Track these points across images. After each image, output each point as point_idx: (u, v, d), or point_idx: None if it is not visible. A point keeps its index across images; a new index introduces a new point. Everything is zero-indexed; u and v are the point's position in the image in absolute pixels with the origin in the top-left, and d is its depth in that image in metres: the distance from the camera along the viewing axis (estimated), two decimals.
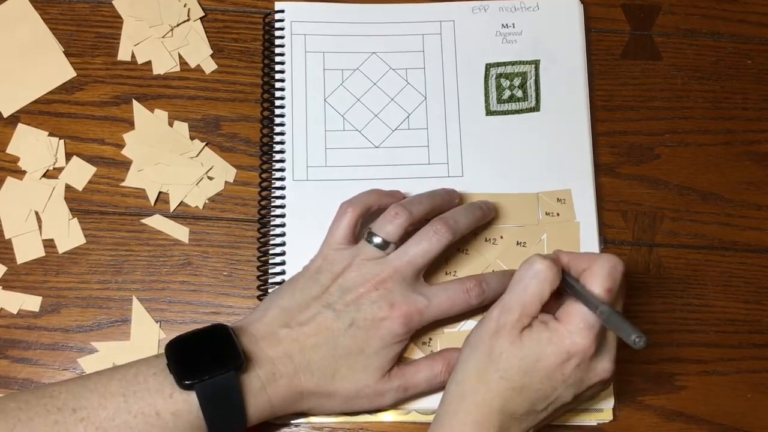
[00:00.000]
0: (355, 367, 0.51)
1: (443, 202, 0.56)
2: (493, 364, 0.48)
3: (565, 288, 0.50)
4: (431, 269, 0.56)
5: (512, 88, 0.63)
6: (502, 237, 0.59)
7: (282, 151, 0.60)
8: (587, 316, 0.47)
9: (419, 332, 0.55)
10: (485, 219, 0.57)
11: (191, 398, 0.47)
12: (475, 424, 0.48)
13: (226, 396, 0.48)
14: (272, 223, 0.59)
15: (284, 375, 0.50)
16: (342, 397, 0.52)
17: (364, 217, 0.55)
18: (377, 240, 0.53)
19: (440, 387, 0.53)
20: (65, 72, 0.62)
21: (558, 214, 0.59)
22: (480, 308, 0.55)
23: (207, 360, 0.48)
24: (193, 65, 0.63)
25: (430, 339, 0.57)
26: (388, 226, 0.53)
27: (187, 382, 0.47)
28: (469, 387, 0.49)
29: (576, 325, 0.47)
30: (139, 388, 0.47)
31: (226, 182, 0.61)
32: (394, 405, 0.54)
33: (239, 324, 0.52)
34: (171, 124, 0.61)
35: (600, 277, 0.48)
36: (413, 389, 0.53)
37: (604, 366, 0.49)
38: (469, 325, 0.57)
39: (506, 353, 0.48)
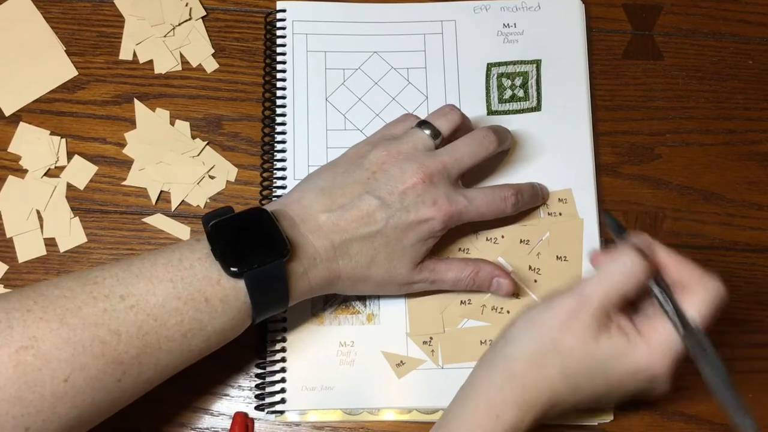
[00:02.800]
0: (392, 257, 0.52)
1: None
2: (557, 356, 0.45)
3: (654, 293, 0.45)
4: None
5: (514, 88, 0.63)
6: (503, 236, 0.59)
7: (283, 151, 0.60)
8: (673, 339, 0.44)
9: (421, 330, 0.57)
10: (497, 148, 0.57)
11: (239, 285, 0.47)
12: (516, 406, 0.45)
13: (272, 282, 0.48)
14: None
15: (324, 260, 0.50)
16: (374, 283, 0.53)
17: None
18: (428, 129, 0.54)
19: (462, 290, 0.56)
20: (67, 71, 0.62)
21: (560, 214, 0.59)
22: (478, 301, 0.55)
23: (254, 248, 0.47)
24: (194, 64, 0.63)
25: (431, 338, 0.57)
26: (440, 119, 0.54)
27: (235, 270, 0.47)
28: (522, 368, 0.46)
29: (659, 347, 0.44)
30: (186, 273, 0.47)
31: (227, 181, 0.61)
32: (419, 291, 0.56)
33: (277, 207, 0.51)
34: (172, 124, 0.61)
35: (702, 303, 0.44)
36: (439, 284, 0.55)
37: (663, 388, 0.47)
38: (470, 323, 0.57)
39: (577, 353, 0.45)
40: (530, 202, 0.58)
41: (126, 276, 0.46)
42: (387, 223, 0.51)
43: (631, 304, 0.47)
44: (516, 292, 0.57)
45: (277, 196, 0.59)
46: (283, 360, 0.56)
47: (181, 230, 0.59)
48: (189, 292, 0.46)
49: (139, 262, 0.47)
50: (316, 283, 0.50)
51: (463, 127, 0.56)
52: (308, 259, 0.49)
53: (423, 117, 0.56)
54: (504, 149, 0.59)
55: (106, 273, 0.46)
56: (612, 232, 0.51)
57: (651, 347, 0.45)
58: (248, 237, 0.48)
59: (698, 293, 0.45)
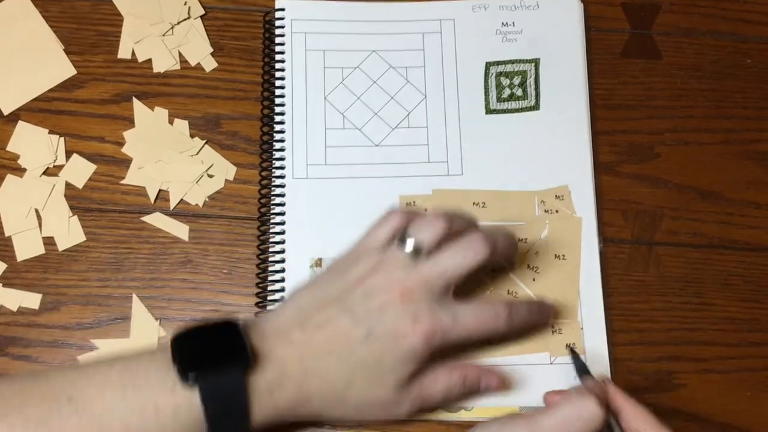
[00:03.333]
0: (371, 378, 0.48)
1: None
2: None
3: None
4: None
5: (512, 87, 0.63)
6: None
7: (282, 149, 0.60)
8: None
9: None
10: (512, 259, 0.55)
11: (193, 395, 0.44)
12: None
13: (230, 396, 0.45)
14: (272, 221, 0.59)
15: (293, 378, 0.46)
16: (354, 405, 0.49)
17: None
18: (409, 244, 0.49)
19: (456, 398, 0.52)
20: (65, 70, 0.62)
21: (557, 211, 0.60)
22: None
23: (212, 355, 0.45)
24: (193, 63, 0.63)
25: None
26: (423, 233, 0.49)
27: (190, 374, 0.44)
28: None
29: None
30: (140, 378, 0.44)
31: (226, 180, 0.61)
32: (410, 415, 0.51)
33: (251, 320, 0.49)
34: (171, 122, 0.61)
35: None
36: (430, 399, 0.51)
37: None
38: None
39: None
40: (526, 318, 0.52)
41: (78, 379, 0.45)
42: (363, 341, 0.47)
43: None
44: (506, 386, 0.55)
45: (276, 195, 0.59)
46: None
47: (179, 229, 0.59)
48: (138, 399, 0.44)
49: (95, 364, 0.46)
50: (283, 404, 0.46)
51: (456, 230, 0.51)
52: (274, 375, 0.46)
53: (406, 215, 0.52)
54: (501, 261, 0.55)
55: (60, 374, 0.45)
56: (575, 369, 0.52)
57: None
58: (211, 346, 0.45)
59: None
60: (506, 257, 0.54)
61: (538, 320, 0.55)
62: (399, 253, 0.49)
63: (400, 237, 0.50)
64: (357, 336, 0.47)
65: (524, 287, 0.58)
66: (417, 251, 0.49)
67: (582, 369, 0.54)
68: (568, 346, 0.55)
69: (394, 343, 0.47)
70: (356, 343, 0.47)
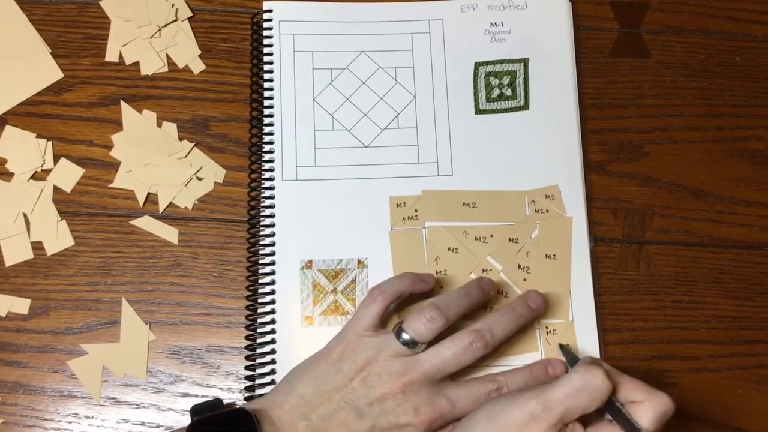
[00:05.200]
0: None
1: (479, 300, 0.54)
2: None
3: (608, 409, 0.47)
4: (417, 265, 0.57)
5: (501, 87, 0.63)
6: (492, 235, 0.59)
7: (271, 151, 0.60)
8: None
9: None
10: (526, 324, 0.55)
11: None
12: None
13: None
14: (262, 223, 0.59)
15: None
16: None
17: (395, 303, 0.54)
18: (407, 338, 0.51)
19: None
20: (53, 73, 0.62)
21: (547, 211, 0.60)
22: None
23: None
24: (181, 65, 0.63)
25: None
26: (421, 328, 0.51)
27: None
28: None
29: None
30: None
31: (215, 183, 0.60)
32: None
33: (261, 406, 0.50)
34: (159, 125, 0.61)
35: (651, 417, 0.46)
36: None
37: None
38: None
39: None
40: (518, 388, 0.53)
41: None
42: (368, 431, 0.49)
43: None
44: None
45: (266, 197, 0.59)
46: (273, 362, 0.56)
47: (168, 232, 0.59)
48: None
49: None
50: None
51: (471, 308, 0.53)
52: None
53: (391, 292, 0.53)
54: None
55: None
56: (568, 363, 0.53)
57: None
58: None
59: (648, 408, 0.46)
60: (510, 335, 0.54)
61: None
62: (396, 345, 0.51)
63: (397, 331, 0.51)
64: (361, 428, 0.49)
65: (515, 288, 0.58)
66: (414, 344, 0.51)
67: (575, 361, 0.53)
68: (561, 345, 0.55)
69: (397, 430, 0.50)
70: None
